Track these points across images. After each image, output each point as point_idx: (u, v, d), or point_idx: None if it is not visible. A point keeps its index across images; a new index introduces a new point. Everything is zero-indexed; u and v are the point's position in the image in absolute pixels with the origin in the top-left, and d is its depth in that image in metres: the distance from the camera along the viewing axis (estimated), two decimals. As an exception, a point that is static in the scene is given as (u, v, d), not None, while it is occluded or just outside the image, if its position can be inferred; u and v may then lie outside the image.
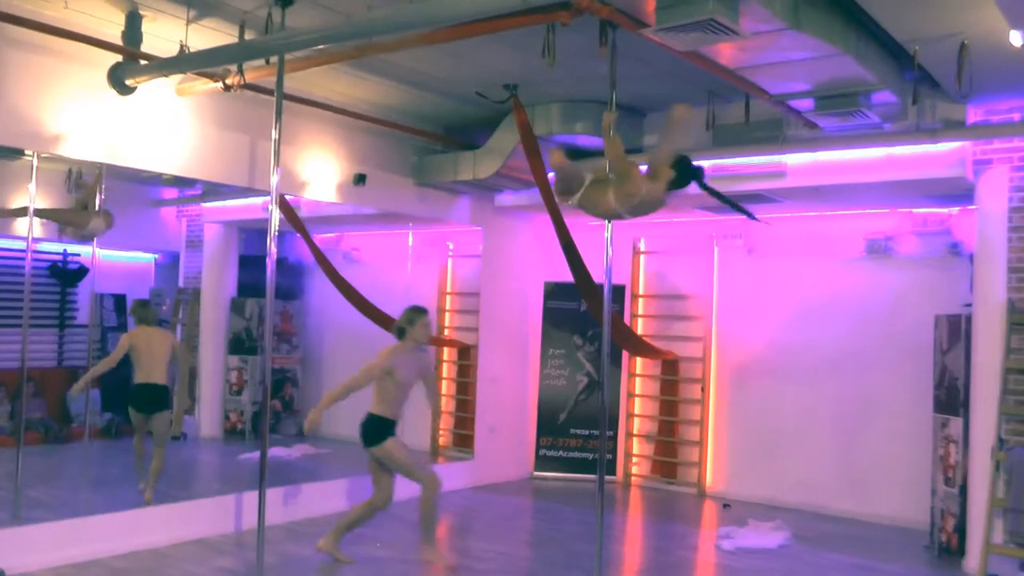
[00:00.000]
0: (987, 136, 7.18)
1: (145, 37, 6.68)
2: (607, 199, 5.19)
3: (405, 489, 7.35)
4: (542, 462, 10.65)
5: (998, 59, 5.95)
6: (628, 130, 8.30)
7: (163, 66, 6.55)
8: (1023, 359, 7.02)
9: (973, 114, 7.27)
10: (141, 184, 9.67)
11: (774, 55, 5.72)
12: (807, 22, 5.18)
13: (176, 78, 7.10)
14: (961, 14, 5.38)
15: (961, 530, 7.42)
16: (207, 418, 11.07)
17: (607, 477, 10.09)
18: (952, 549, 7.50)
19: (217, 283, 11.21)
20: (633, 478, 10.57)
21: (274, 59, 6.40)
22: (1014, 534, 6.84)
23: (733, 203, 5.74)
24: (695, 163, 5.25)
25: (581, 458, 10.51)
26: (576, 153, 8.82)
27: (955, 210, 8.58)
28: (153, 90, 7.00)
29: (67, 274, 9.67)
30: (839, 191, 8.05)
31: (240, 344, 11.37)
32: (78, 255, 9.61)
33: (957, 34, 5.69)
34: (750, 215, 5.94)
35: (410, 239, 10.92)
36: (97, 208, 8.39)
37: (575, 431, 10.45)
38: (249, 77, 6.89)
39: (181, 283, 11.19)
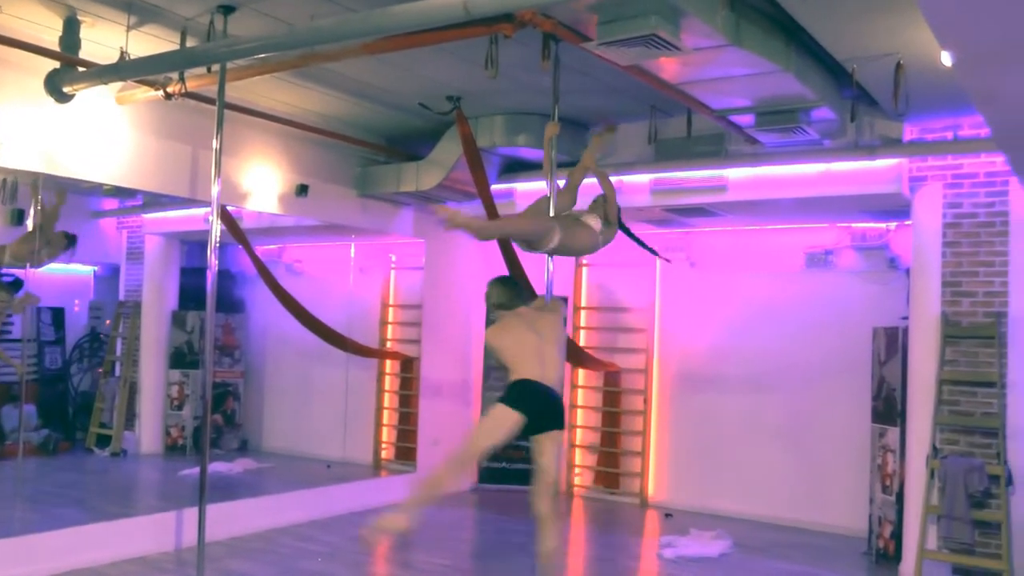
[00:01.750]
0: (922, 153, 7.35)
1: (84, 43, 6.53)
2: (586, 236, 5.24)
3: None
4: (485, 474, 10.62)
5: (932, 79, 6.10)
6: (571, 143, 8.36)
7: (102, 73, 6.43)
8: (957, 370, 7.18)
9: (909, 132, 7.44)
10: (80, 195, 9.50)
11: (715, 71, 5.81)
12: (748, 39, 5.27)
13: (116, 86, 6.97)
14: (897, 34, 5.51)
15: (898, 536, 7.56)
16: (147, 434, 10.88)
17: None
18: (889, 555, 7.64)
19: (158, 296, 11.05)
20: (576, 489, 10.60)
21: (216, 67, 6.34)
22: (947, 540, 7.00)
23: (640, 241, 6.03)
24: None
25: (525, 469, 10.40)
26: (520, 166, 8.88)
27: (892, 225, 8.77)
28: (92, 98, 6.86)
29: (1, 287, 9.45)
30: (779, 205, 8.18)
31: (181, 358, 11.20)
32: (13, 267, 9.40)
33: (893, 54, 5.83)
34: (654, 252, 6.07)
35: (352, 251, 10.86)
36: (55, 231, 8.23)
37: (519, 443, 10.38)
38: (190, 85, 6.77)
39: (121, 296, 11.03)
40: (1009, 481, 6.86)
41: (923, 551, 7.01)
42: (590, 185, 5.71)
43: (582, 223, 5.24)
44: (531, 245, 5.10)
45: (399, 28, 5.00)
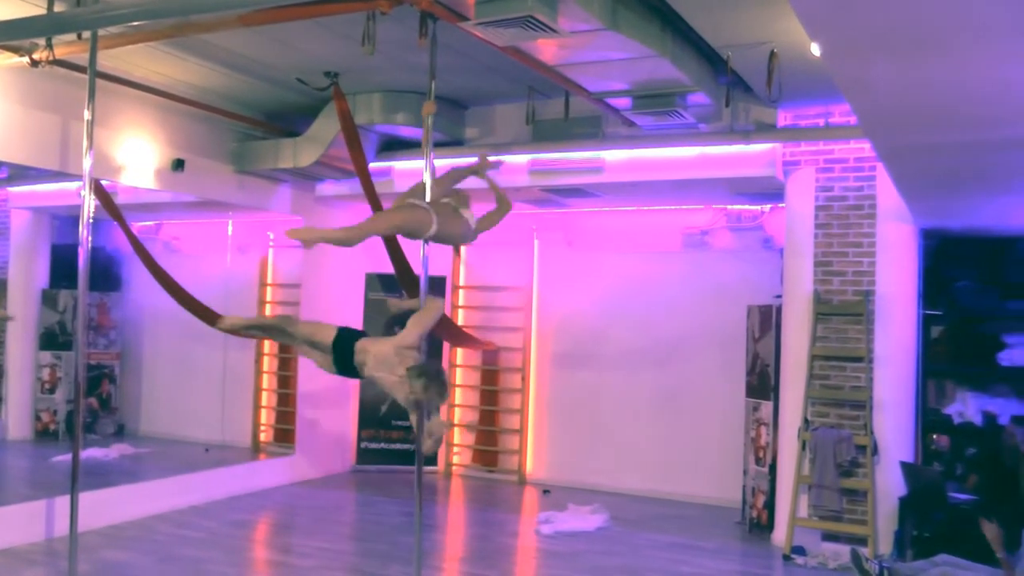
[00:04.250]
0: (795, 139, 7.61)
1: (-62, 5, 6.19)
2: (461, 227, 5.17)
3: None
4: (364, 455, 10.57)
5: (805, 67, 6.30)
6: (448, 123, 8.34)
7: (-41, 38, 6.10)
8: (828, 346, 7.49)
9: (783, 118, 7.69)
10: None
11: (592, 54, 5.87)
12: (624, 24, 5.34)
13: (-25, 52, 6.63)
14: (771, 24, 5.68)
15: (770, 506, 7.86)
16: (16, 419, 10.46)
17: (428, 467, 10.18)
18: (762, 524, 7.94)
19: (26, 274, 10.62)
20: (454, 468, 10.65)
21: (87, 34, 6.07)
22: (817, 508, 7.34)
23: None
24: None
25: (403, 449, 10.46)
26: (398, 144, 8.81)
27: (767, 207, 9.05)
28: (-51, 64, 6.52)
29: None
30: (656, 187, 8.36)
31: (53, 339, 10.78)
32: None
33: (767, 43, 6.00)
34: None
35: (230, 228, 10.62)
36: None
37: (397, 423, 10.39)
38: (59, 53, 6.46)
39: (-15, 274, 10.53)
40: (875, 451, 7.22)
41: (794, 519, 7.34)
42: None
43: (459, 214, 5.19)
44: (409, 234, 5.07)
45: (274, 0, 4.89)
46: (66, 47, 6.46)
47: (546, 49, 5.77)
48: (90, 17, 5.61)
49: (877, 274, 7.40)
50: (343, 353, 4.84)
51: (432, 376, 4.66)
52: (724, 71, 6.52)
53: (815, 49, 5.53)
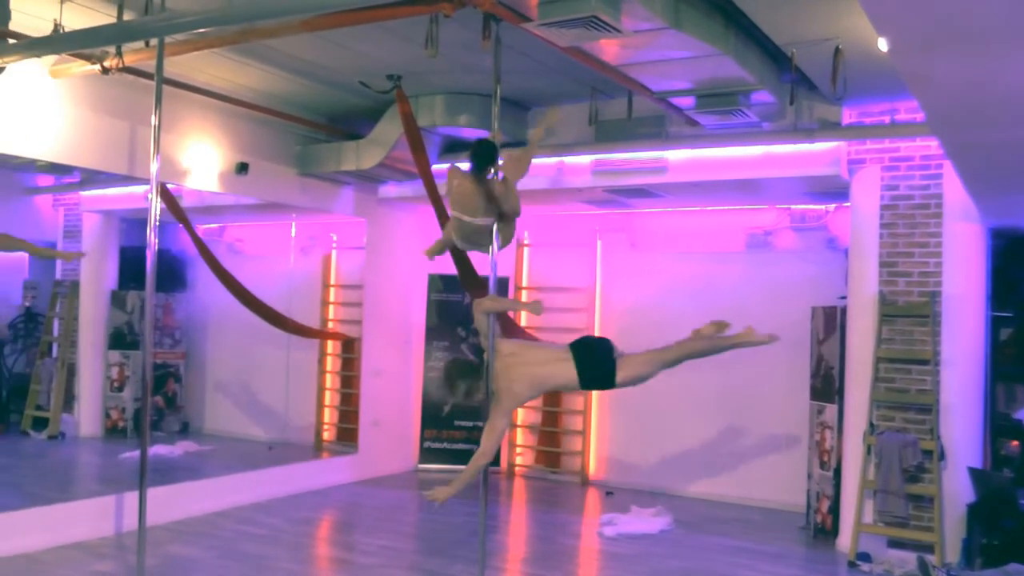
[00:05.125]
0: (860, 137, 7.48)
1: (14, 15, 6.33)
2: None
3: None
4: (426, 454, 10.64)
5: (870, 64, 6.19)
6: (511, 125, 8.34)
7: (34, 46, 6.24)
8: (893, 348, 7.34)
9: (848, 115, 7.57)
10: (13, 171, 9.27)
11: (655, 53, 5.83)
12: (687, 22, 5.30)
13: (50, 59, 6.81)
14: (836, 20, 5.60)
15: (835, 511, 7.73)
16: (87, 416, 10.66)
17: (491, 468, 10.17)
18: (827, 529, 7.81)
19: (96, 275, 10.82)
20: (517, 468, 10.66)
21: (154, 42, 6.20)
22: (883, 513, 7.20)
23: None
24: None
25: (466, 449, 10.47)
26: (461, 146, 8.84)
27: (831, 207, 8.90)
28: (24, 71, 6.69)
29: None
30: (719, 187, 8.27)
31: (121, 339, 11.00)
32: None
33: (832, 39, 5.91)
34: None
35: (293, 230, 10.76)
36: None
37: (459, 423, 10.45)
38: (128, 60, 6.61)
39: (58, 275, 10.78)
40: (941, 456, 7.06)
41: (859, 525, 7.20)
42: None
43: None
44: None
45: (339, 5, 4.95)
46: (134, 54, 6.61)
47: (609, 49, 5.74)
48: (157, 25, 5.73)
49: (944, 275, 7.24)
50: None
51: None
52: (788, 69, 6.43)
53: (882, 45, 5.44)
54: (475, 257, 7.02)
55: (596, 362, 4.95)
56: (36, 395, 10.59)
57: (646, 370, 5.13)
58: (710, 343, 5.41)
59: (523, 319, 10.62)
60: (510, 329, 9.06)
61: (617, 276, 10.24)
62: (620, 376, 4.93)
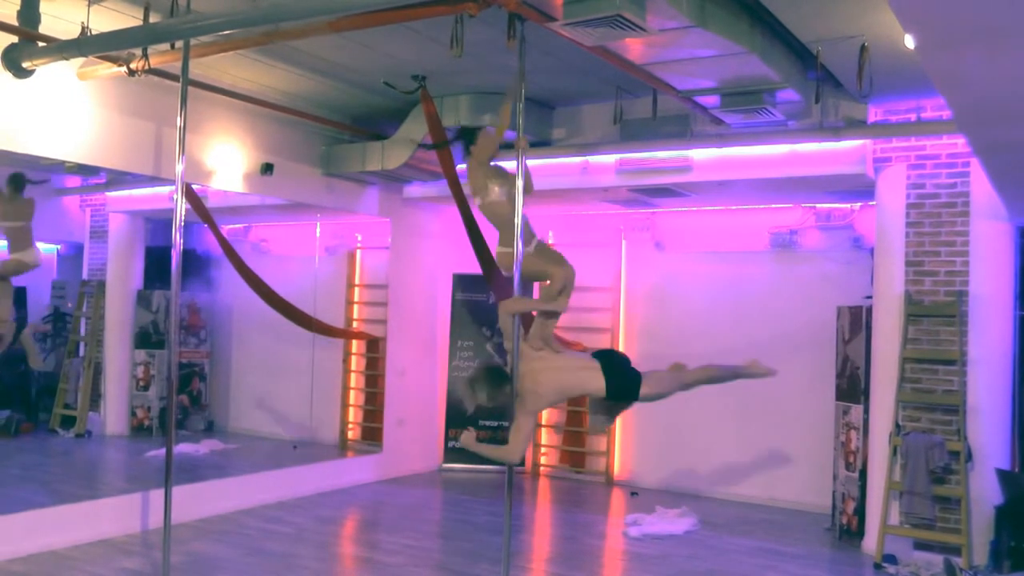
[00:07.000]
0: (886, 135, 7.42)
1: (43, 18, 6.41)
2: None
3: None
4: (451, 454, 10.65)
5: (896, 61, 6.15)
6: (536, 124, 8.33)
7: (62, 48, 6.31)
8: (919, 348, 7.29)
9: (873, 113, 7.51)
10: (41, 172, 9.34)
11: (680, 52, 5.81)
12: (713, 20, 5.28)
13: (77, 62, 6.85)
14: (861, 17, 5.56)
15: (860, 512, 7.67)
16: (113, 414, 10.77)
17: (516, 468, 10.18)
18: (852, 531, 7.75)
19: (123, 275, 10.92)
20: (542, 468, 10.66)
21: (180, 44, 6.25)
22: (909, 515, 7.13)
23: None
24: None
25: (490, 449, 10.50)
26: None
27: (857, 205, 8.85)
28: (53, 74, 6.74)
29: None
30: (744, 185, 8.23)
31: (147, 338, 11.10)
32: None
33: (858, 36, 5.87)
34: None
35: (318, 230, 10.81)
36: None
37: (484, 423, 10.45)
38: (154, 62, 6.66)
39: (85, 275, 10.89)
40: (968, 457, 6.99)
41: (885, 526, 7.15)
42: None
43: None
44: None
45: (364, 6, 4.97)
46: (160, 56, 6.66)
47: (634, 48, 5.73)
48: (183, 27, 5.77)
49: (971, 274, 7.17)
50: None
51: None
52: (813, 66, 6.39)
53: (909, 42, 5.41)
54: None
55: (623, 374, 4.96)
56: (64, 394, 10.71)
57: (666, 388, 5.26)
58: (719, 372, 5.88)
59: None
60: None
61: (642, 275, 10.22)
62: (643, 390, 4.97)
